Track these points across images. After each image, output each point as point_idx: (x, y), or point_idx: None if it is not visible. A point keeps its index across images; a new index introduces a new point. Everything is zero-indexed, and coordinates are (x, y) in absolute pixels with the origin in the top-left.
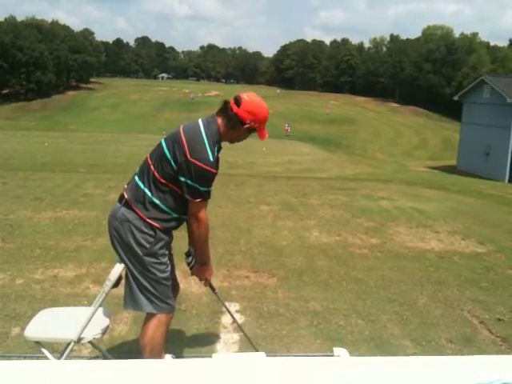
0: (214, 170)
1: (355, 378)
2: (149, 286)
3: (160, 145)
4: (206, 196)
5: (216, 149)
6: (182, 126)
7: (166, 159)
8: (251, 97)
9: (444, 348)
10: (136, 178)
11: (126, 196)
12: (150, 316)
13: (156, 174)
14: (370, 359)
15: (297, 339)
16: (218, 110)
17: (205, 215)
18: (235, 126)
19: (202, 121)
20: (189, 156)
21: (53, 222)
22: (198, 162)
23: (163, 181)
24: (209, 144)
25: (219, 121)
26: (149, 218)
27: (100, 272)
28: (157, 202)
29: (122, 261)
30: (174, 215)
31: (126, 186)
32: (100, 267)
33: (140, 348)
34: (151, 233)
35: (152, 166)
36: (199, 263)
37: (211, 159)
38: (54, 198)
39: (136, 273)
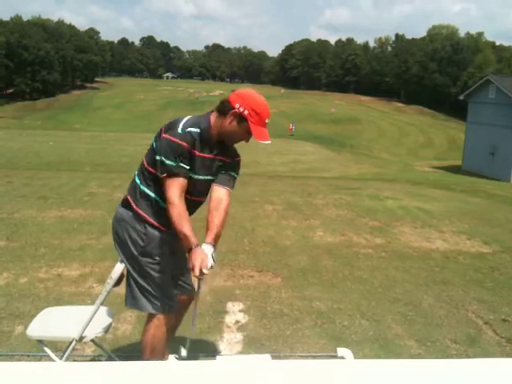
0: (179, 141)
1: (362, 382)
2: (146, 285)
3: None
4: (171, 171)
5: (198, 132)
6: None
7: (151, 146)
8: (248, 89)
9: (448, 348)
10: (135, 173)
11: (125, 194)
12: (150, 316)
13: (144, 162)
14: (377, 362)
15: (301, 339)
16: None
17: (172, 195)
18: (224, 110)
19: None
20: (163, 133)
21: (57, 220)
22: (166, 135)
23: (150, 168)
24: (185, 122)
25: (212, 113)
26: (139, 209)
27: (104, 271)
28: (144, 189)
29: (121, 260)
30: (163, 205)
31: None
32: (104, 266)
33: (141, 348)
34: (141, 227)
35: (143, 157)
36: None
37: (179, 131)
38: (59, 197)
39: (134, 272)
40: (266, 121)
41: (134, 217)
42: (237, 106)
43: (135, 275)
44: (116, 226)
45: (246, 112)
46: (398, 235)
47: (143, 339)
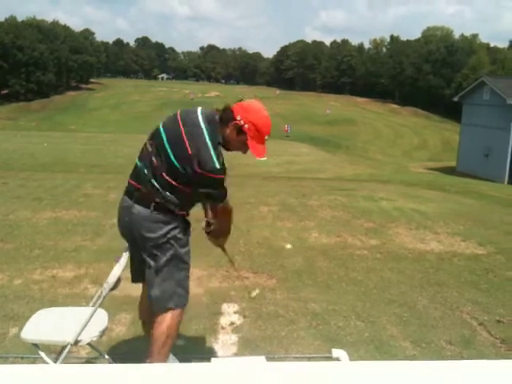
0: (222, 176)
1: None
2: (183, 276)
3: (160, 136)
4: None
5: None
6: (180, 121)
7: (170, 162)
8: (253, 101)
9: (443, 350)
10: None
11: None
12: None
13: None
14: (372, 363)
15: (296, 340)
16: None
17: None
18: (226, 119)
19: (203, 117)
20: (197, 168)
21: (52, 222)
22: (207, 174)
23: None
24: (214, 149)
25: (217, 117)
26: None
27: (99, 273)
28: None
29: (149, 265)
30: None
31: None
32: (99, 268)
33: (152, 341)
34: (174, 220)
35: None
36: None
37: (217, 166)
38: (54, 199)
39: (173, 267)
40: (266, 137)
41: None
42: (238, 117)
43: (174, 269)
44: (149, 226)
45: (246, 126)
46: (392, 236)
47: (156, 331)
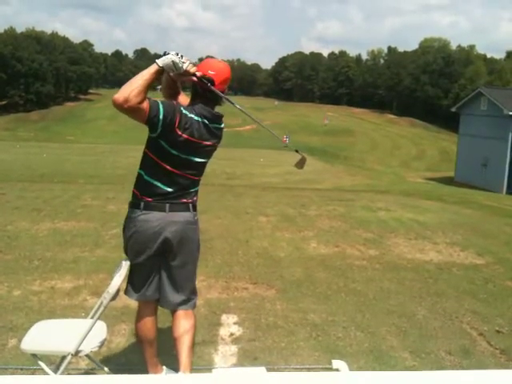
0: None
1: None
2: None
3: None
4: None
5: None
6: None
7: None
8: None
9: (443, 360)
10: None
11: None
12: (191, 312)
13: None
14: (372, 374)
15: (295, 351)
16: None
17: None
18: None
19: None
20: None
21: (51, 233)
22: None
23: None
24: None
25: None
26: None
27: (98, 283)
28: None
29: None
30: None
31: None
32: (98, 278)
33: (189, 336)
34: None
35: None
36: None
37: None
38: (53, 209)
39: (195, 267)
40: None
41: (193, 214)
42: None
43: (195, 269)
44: (184, 228)
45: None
46: (391, 247)
47: (190, 321)
